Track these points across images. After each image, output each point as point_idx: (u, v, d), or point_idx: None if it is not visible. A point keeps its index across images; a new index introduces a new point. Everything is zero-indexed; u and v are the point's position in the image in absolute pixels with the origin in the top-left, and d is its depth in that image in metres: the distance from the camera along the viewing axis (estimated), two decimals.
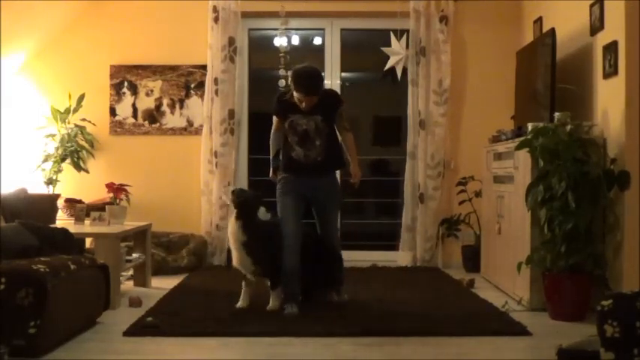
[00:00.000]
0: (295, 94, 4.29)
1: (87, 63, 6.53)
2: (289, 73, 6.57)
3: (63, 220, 5.40)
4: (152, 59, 6.56)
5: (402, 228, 6.45)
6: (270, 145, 4.58)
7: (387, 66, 6.53)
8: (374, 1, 6.46)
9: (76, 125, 6.29)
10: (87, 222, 5.07)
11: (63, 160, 6.19)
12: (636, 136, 4.16)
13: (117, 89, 6.56)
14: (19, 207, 4.73)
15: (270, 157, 4.56)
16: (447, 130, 6.37)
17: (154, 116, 6.57)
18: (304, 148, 4.37)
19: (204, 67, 6.46)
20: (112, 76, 6.56)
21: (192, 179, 6.45)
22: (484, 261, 5.73)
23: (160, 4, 6.50)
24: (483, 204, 5.84)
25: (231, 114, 6.41)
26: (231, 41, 6.39)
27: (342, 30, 6.74)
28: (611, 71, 4.39)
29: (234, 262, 4.39)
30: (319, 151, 4.38)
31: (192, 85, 6.56)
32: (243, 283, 4.47)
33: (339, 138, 4.58)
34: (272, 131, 4.57)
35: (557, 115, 4.41)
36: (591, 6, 4.69)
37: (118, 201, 5.23)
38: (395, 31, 6.49)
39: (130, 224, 5.13)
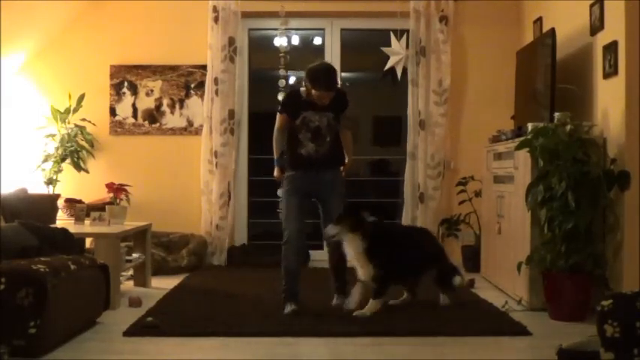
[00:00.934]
0: (314, 91, 4.29)
1: (87, 63, 6.53)
2: (291, 72, 6.63)
3: (63, 220, 5.39)
4: (152, 59, 6.56)
5: None
6: (273, 145, 4.57)
7: (387, 66, 6.53)
8: (374, 1, 6.46)
9: (76, 125, 6.29)
10: (87, 222, 5.06)
11: (63, 160, 6.19)
12: (636, 136, 4.16)
13: (117, 89, 6.56)
14: (19, 207, 4.73)
15: (275, 157, 4.57)
16: (447, 130, 6.37)
17: (154, 116, 6.57)
18: (316, 144, 4.40)
19: (204, 67, 6.46)
20: (112, 76, 6.56)
21: (192, 179, 6.45)
22: (484, 261, 5.73)
23: (160, 4, 6.50)
24: (483, 204, 5.84)
25: (231, 114, 6.41)
26: (231, 41, 6.39)
27: (342, 30, 6.73)
28: (611, 71, 4.39)
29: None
30: (328, 146, 4.43)
31: (192, 85, 6.56)
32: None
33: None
34: (276, 129, 4.54)
35: (557, 115, 4.41)
36: (591, 6, 4.69)
37: (118, 201, 5.23)
38: (395, 31, 6.49)
39: (130, 224, 5.13)
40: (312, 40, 6.91)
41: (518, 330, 3.89)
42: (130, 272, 5.40)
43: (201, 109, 6.47)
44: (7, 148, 6.05)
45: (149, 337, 3.71)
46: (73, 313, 3.64)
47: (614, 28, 4.35)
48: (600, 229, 4.36)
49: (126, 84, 6.56)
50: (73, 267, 3.66)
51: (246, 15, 6.48)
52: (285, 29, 6.56)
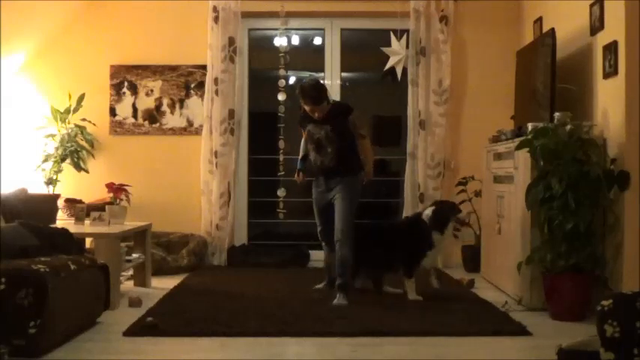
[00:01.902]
0: (305, 106, 4.70)
1: (87, 63, 6.53)
2: (291, 72, 6.66)
3: (63, 220, 5.39)
4: (152, 59, 6.56)
5: None
6: (300, 149, 5.07)
7: (387, 66, 6.53)
8: (374, 1, 6.46)
9: (76, 125, 6.29)
10: (87, 222, 5.06)
11: (63, 160, 6.19)
12: (636, 136, 4.16)
13: (117, 89, 6.56)
14: (19, 207, 4.72)
15: (299, 159, 5.05)
16: (447, 130, 6.37)
17: (154, 116, 6.57)
18: (319, 155, 4.76)
19: (204, 67, 6.46)
20: (112, 76, 6.56)
21: (192, 179, 6.45)
22: (484, 261, 5.73)
23: (160, 4, 6.51)
24: (483, 204, 5.84)
25: (231, 114, 6.41)
26: (231, 41, 6.39)
27: (342, 30, 6.74)
28: (611, 71, 4.39)
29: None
30: (331, 157, 4.72)
31: (192, 85, 6.56)
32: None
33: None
34: (302, 138, 5.04)
35: (557, 115, 4.41)
36: (591, 6, 4.69)
37: (118, 201, 5.23)
38: (395, 31, 6.49)
39: (130, 224, 5.13)
40: (312, 40, 6.91)
41: (518, 330, 3.88)
42: (130, 272, 5.40)
43: (201, 109, 6.47)
44: (7, 148, 6.05)
45: (149, 337, 3.71)
46: (73, 313, 3.64)
47: (614, 28, 4.35)
48: (600, 229, 4.36)
49: (126, 84, 6.56)
50: (73, 267, 3.66)
51: (246, 15, 6.48)
52: (285, 29, 6.56)
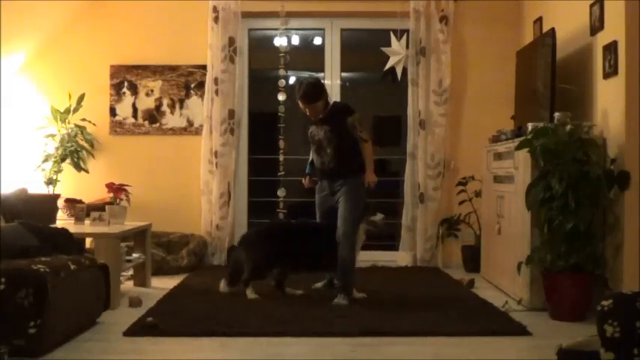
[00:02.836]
0: (299, 103, 4.71)
1: (87, 63, 6.53)
2: (291, 72, 6.66)
3: (63, 220, 5.39)
4: (152, 59, 6.56)
5: (402, 228, 6.45)
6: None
7: (387, 66, 6.53)
8: (374, 1, 6.46)
9: (76, 125, 6.29)
10: (87, 222, 5.06)
11: (63, 160, 6.19)
12: (636, 136, 4.16)
13: (117, 89, 6.56)
14: (19, 207, 4.72)
15: (308, 164, 5.04)
16: (447, 130, 6.37)
17: (154, 116, 6.57)
18: (320, 156, 4.78)
19: (204, 67, 6.46)
20: (112, 76, 6.56)
21: (192, 179, 6.46)
22: (484, 261, 5.73)
23: (160, 4, 6.51)
24: (483, 204, 5.84)
25: (231, 114, 6.41)
26: (231, 41, 6.39)
27: (342, 30, 6.73)
28: (611, 71, 4.39)
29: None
30: (330, 158, 4.72)
31: (192, 85, 6.56)
32: None
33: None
34: None
35: (557, 115, 4.41)
36: (591, 6, 4.69)
37: (118, 201, 5.23)
38: (395, 31, 6.49)
39: (130, 224, 5.13)
40: (312, 40, 6.91)
41: (518, 330, 3.88)
42: (130, 272, 5.40)
43: (201, 109, 6.47)
44: (7, 148, 6.05)
45: (149, 337, 3.71)
46: (73, 313, 3.64)
47: (614, 28, 4.36)
48: (600, 229, 4.36)
49: (126, 84, 6.56)
50: (73, 267, 3.66)
51: (246, 15, 6.48)
52: (285, 29, 6.56)
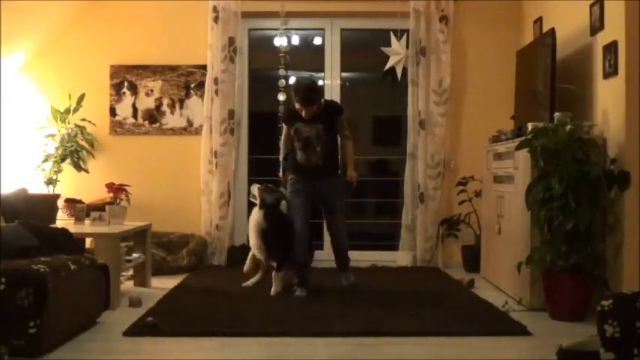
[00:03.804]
0: (296, 104, 4.79)
1: (87, 63, 6.53)
2: (291, 72, 6.65)
3: (63, 220, 5.39)
4: (152, 59, 6.56)
5: (401, 228, 6.45)
6: (281, 148, 5.13)
7: (387, 66, 6.53)
8: (374, 1, 6.47)
9: (76, 125, 6.29)
10: (87, 222, 5.06)
11: (63, 160, 6.19)
12: (636, 136, 4.16)
13: (117, 89, 6.56)
14: (19, 207, 4.72)
15: (280, 159, 5.12)
16: (447, 130, 6.37)
17: (154, 116, 6.57)
18: (306, 153, 4.85)
19: (204, 67, 6.46)
20: (112, 76, 6.56)
21: (192, 179, 6.46)
22: (484, 261, 5.73)
23: (160, 4, 6.51)
24: (483, 204, 5.84)
25: (231, 114, 6.41)
26: (231, 41, 6.39)
27: (342, 30, 6.74)
28: (611, 71, 4.39)
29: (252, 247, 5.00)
30: (319, 156, 4.86)
31: (192, 85, 6.56)
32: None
33: (339, 144, 5.09)
34: (283, 135, 5.09)
35: (557, 115, 4.41)
36: (591, 6, 4.69)
37: (118, 201, 5.23)
38: (395, 31, 6.49)
39: (130, 224, 5.13)
40: (312, 40, 6.91)
41: (518, 330, 3.88)
42: (130, 272, 5.40)
43: (201, 109, 6.47)
44: (7, 148, 6.05)
45: (149, 337, 3.71)
46: (73, 313, 3.64)
47: (614, 28, 4.36)
48: (600, 229, 4.36)
49: (126, 84, 6.56)
50: (73, 267, 3.66)
51: (246, 15, 6.48)
52: (285, 29, 6.56)
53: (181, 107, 6.57)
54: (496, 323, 4.03)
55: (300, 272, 4.89)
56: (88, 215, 5.09)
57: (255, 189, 4.97)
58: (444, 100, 6.36)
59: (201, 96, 6.50)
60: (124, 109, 6.56)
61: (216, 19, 6.37)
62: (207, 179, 6.40)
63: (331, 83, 6.63)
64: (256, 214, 4.92)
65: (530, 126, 4.57)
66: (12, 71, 6.33)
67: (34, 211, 4.77)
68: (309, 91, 4.76)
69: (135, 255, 5.23)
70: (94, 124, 6.37)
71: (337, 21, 6.70)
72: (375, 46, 6.60)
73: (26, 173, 6.15)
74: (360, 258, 6.25)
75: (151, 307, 4.40)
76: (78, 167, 6.23)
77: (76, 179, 6.29)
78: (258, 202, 4.92)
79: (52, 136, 6.26)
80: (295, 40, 6.77)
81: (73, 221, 5.19)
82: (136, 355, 3.43)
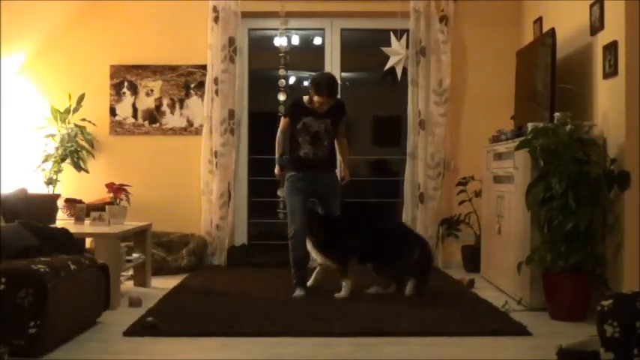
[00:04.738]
0: (316, 97, 4.80)
1: (87, 63, 6.53)
2: (291, 72, 6.65)
3: (63, 220, 5.40)
4: (152, 59, 6.56)
5: None
6: (276, 144, 5.03)
7: (387, 66, 6.53)
8: (374, 1, 6.46)
9: (76, 125, 6.29)
10: (87, 222, 5.06)
11: (63, 160, 6.19)
12: (636, 136, 4.16)
13: (117, 89, 6.56)
14: (19, 207, 4.73)
15: (276, 156, 5.02)
16: (447, 130, 6.37)
17: (154, 116, 6.57)
18: (314, 147, 4.89)
19: (204, 67, 6.46)
20: (112, 76, 6.56)
21: (192, 179, 6.45)
22: (484, 261, 5.73)
23: (160, 4, 6.50)
24: (483, 204, 5.84)
25: (231, 114, 6.41)
26: (231, 41, 6.39)
27: (342, 30, 6.74)
28: (611, 71, 4.39)
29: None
30: (325, 150, 4.94)
31: (192, 85, 6.56)
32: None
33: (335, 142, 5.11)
34: (279, 131, 5.03)
35: (557, 115, 4.41)
36: (591, 6, 4.69)
37: (118, 201, 5.23)
38: (395, 31, 6.49)
39: (130, 224, 5.13)
40: (312, 40, 6.91)
41: (518, 330, 3.89)
42: (130, 272, 5.40)
43: (201, 109, 6.47)
44: (7, 148, 6.05)
45: (149, 337, 3.71)
46: (73, 313, 3.64)
47: (614, 28, 4.36)
48: (600, 229, 4.36)
49: (126, 84, 6.56)
50: (73, 267, 3.67)
51: (246, 15, 6.48)
52: (285, 29, 6.56)
53: (181, 107, 6.57)
54: (496, 323, 4.03)
55: (298, 272, 4.90)
56: (88, 215, 5.09)
57: None
58: (444, 100, 6.35)
59: (202, 96, 6.50)
60: (124, 109, 6.56)
61: (216, 19, 6.37)
62: (208, 179, 6.40)
63: None
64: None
65: (530, 126, 4.57)
66: (12, 71, 6.33)
67: (34, 211, 4.77)
68: (334, 84, 4.85)
69: (135, 255, 5.23)
70: (94, 124, 6.37)
71: (337, 21, 6.70)
72: (375, 46, 6.60)
73: (26, 173, 6.15)
74: None
75: (150, 307, 4.40)
76: (78, 167, 6.23)
77: (76, 179, 6.29)
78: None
79: (52, 136, 6.26)
80: (295, 40, 6.77)
81: (73, 221, 5.19)
82: (135, 355, 3.43)
